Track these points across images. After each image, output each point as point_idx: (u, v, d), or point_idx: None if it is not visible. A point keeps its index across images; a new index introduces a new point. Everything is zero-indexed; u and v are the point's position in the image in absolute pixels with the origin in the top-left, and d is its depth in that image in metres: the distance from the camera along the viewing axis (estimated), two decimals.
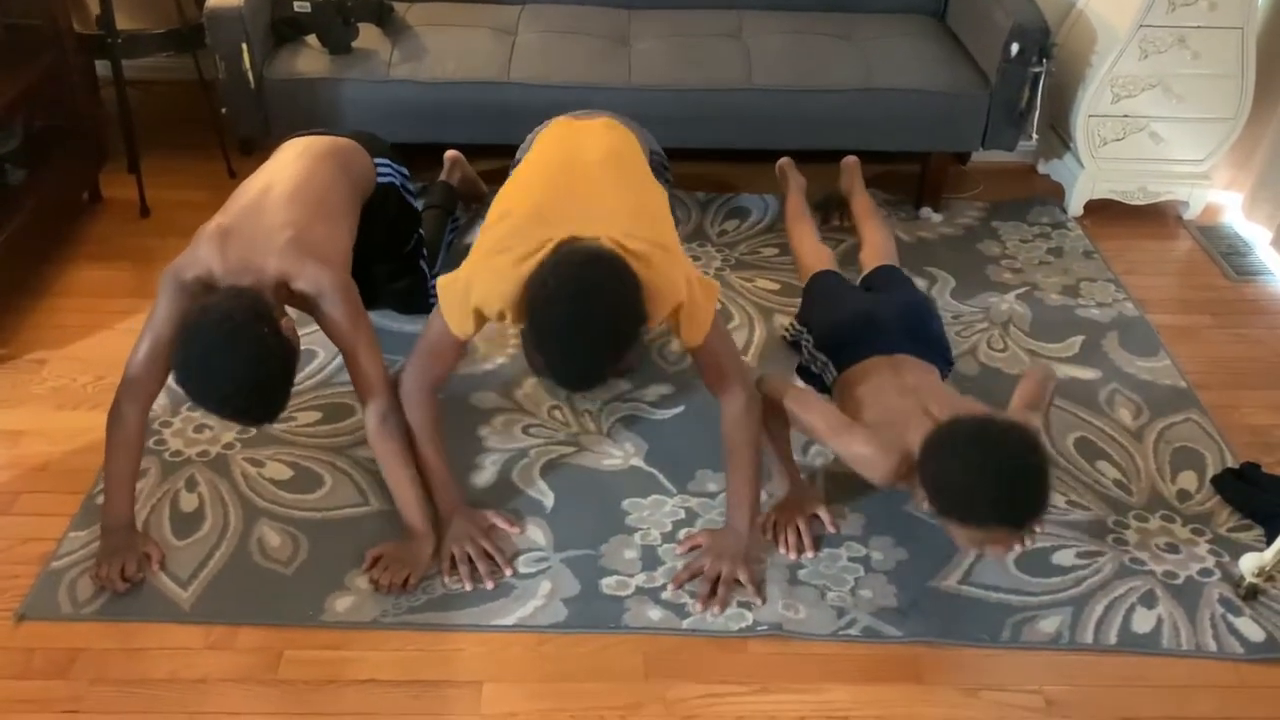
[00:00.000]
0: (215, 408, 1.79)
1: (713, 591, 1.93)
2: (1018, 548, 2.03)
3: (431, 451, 2.01)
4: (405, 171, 2.40)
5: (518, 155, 2.34)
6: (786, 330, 2.54)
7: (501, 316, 1.85)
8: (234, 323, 1.74)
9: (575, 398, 2.40)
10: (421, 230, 2.52)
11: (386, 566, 1.94)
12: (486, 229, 1.96)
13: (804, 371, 2.34)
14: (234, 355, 1.73)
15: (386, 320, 2.61)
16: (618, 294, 1.72)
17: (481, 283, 1.85)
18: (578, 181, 1.97)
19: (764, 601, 1.94)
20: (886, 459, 1.87)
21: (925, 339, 2.19)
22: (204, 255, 1.89)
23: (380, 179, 2.29)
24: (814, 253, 2.61)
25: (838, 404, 2.08)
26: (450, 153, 2.96)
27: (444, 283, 1.91)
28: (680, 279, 1.84)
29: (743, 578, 1.95)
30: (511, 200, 1.99)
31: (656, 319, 1.85)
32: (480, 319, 1.88)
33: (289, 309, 1.97)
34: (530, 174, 2.06)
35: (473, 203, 3.03)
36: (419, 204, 2.51)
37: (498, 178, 3.04)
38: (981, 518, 1.75)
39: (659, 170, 2.37)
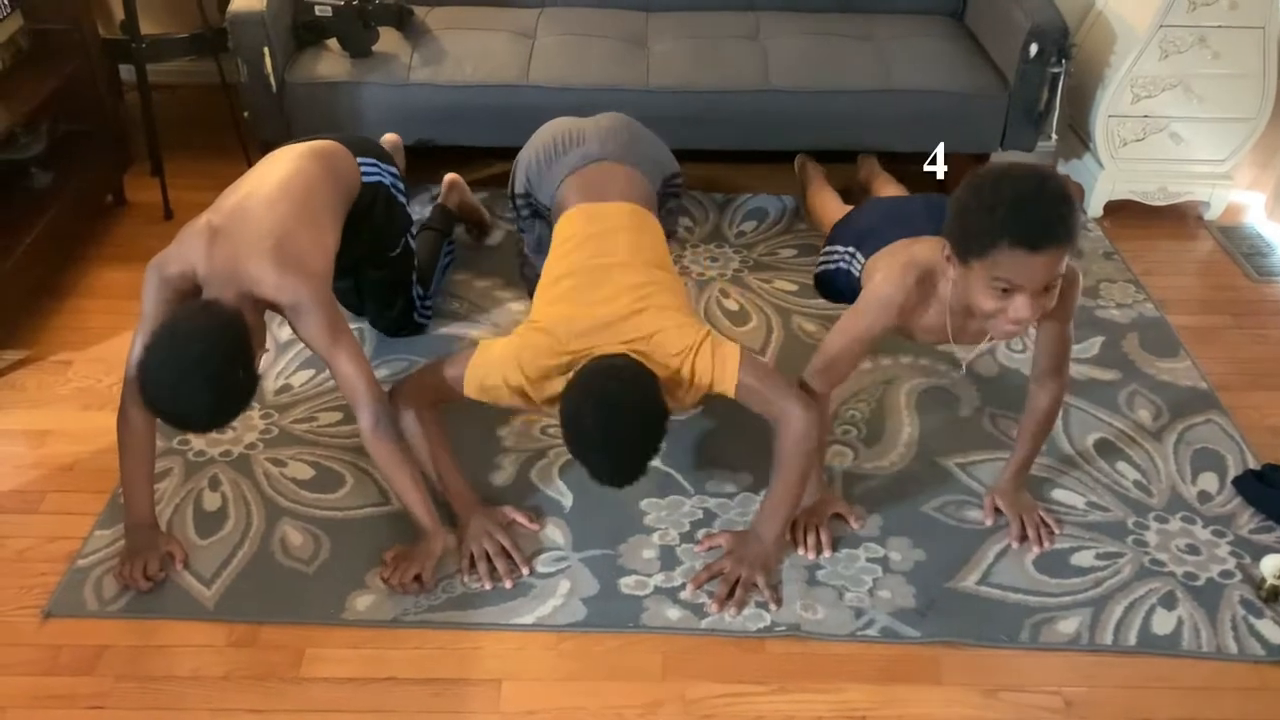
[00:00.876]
0: (163, 415, 1.81)
1: (730, 593, 1.94)
2: (1045, 304, 1.77)
3: (439, 454, 2.03)
4: (394, 170, 2.37)
5: (524, 158, 2.37)
6: (818, 265, 2.50)
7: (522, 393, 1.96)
8: (206, 347, 1.73)
9: None
10: (413, 232, 2.47)
11: (396, 567, 1.96)
12: (534, 315, 2.03)
13: (823, 279, 2.39)
14: (199, 382, 1.73)
15: None
16: (640, 399, 1.83)
17: (521, 369, 1.92)
18: (606, 297, 1.98)
19: (778, 606, 1.94)
20: (900, 278, 1.91)
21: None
22: (189, 252, 1.89)
23: (366, 179, 2.26)
24: (840, 210, 2.63)
25: (866, 286, 2.11)
26: (449, 176, 2.92)
27: (484, 349, 1.97)
28: (690, 359, 1.91)
29: (760, 583, 1.96)
30: (548, 299, 2.04)
31: (686, 402, 1.97)
32: (503, 394, 1.95)
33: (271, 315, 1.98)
34: (564, 280, 2.05)
35: (473, 227, 2.96)
36: (407, 200, 2.45)
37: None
38: (996, 232, 1.66)
39: (672, 194, 2.38)
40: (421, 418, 2.01)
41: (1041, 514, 2.12)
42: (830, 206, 2.75)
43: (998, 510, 2.13)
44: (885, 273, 2.00)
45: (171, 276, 1.90)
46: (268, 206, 1.97)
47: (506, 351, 1.95)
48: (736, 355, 1.92)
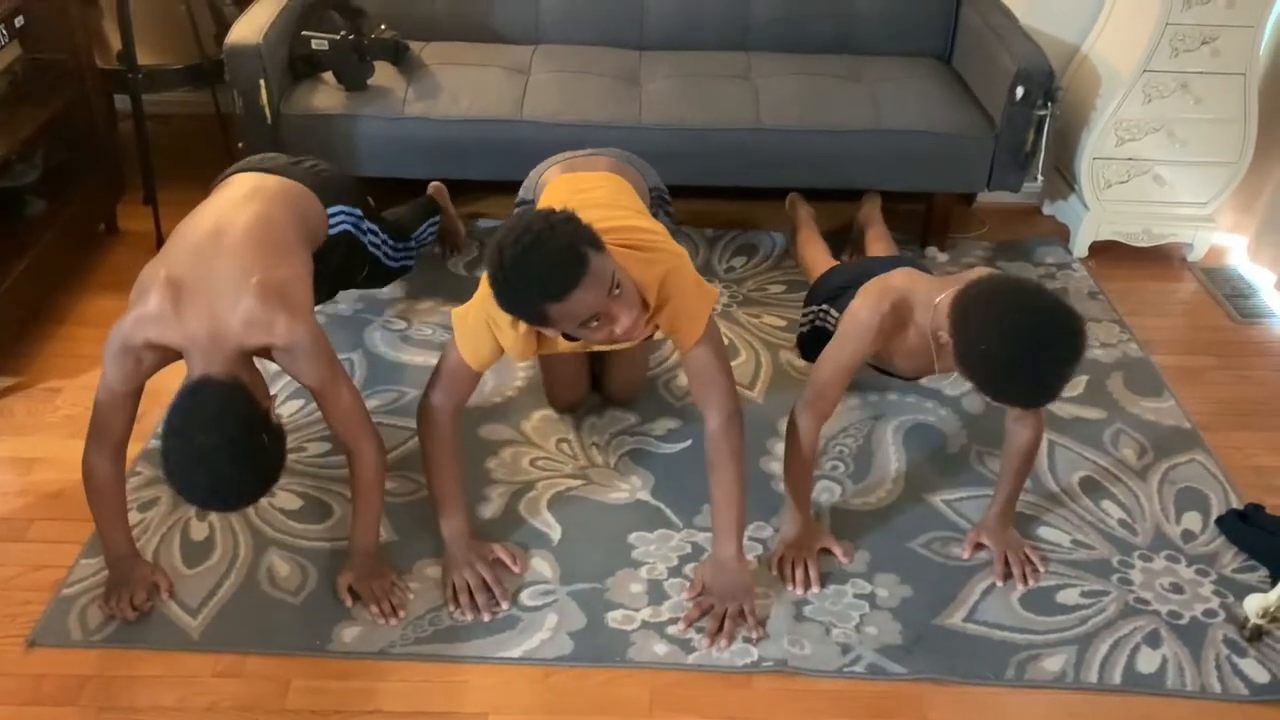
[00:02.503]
0: (216, 511, 1.79)
1: (720, 627, 1.94)
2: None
3: (447, 475, 2.02)
4: (358, 211, 2.32)
5: (521, 196, 2.39)
6: (800, 326, 2.55)
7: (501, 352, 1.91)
8: (221, 440, 1.67)
9: (583, 430, 2.42)
10: (384, 246, 2.47)
11: (375, 597, 1.95)
12: None
13: (803, 342, 2.48)
14: (234, 475, 1.70)
15: (384, 348, 2.64)
16: (572, 219, 1.69)
17: (492, 311, 1.84)
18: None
19: (758, 637, 1.94)
20: (876, 302, 2.01)
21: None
22: (155, 315, 1.78)
23: (333, 230, 2.21)
24: (826, 264, 2.68)
25: None
26: (434, 184, 2.98)
27: (457, 315, 1.93)
28: (667, 264, 1.85)
29: (745, 610, 1.96)
30: None
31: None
32: (496, 351, 1.91)
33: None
34: None
35: (447, 238, 3.00)
36: (371, 237, 2.42)
37: (507, 213, 3.09)
38: (1014, 396, 1.86)
39: (660, 204, 2.41)
40: (446, 427, 1.99)
41: (1027, 552, 2.13)
42: (818, 258, 2.76)
43: (978, 546, 2.15)
44: (861, 299, 2.06)
45: (136, 346, 1.81)
46: (236, 251, 1.86)
47: (477, 308, 1.88)
48: (714, 301, 1.92)
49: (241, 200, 2.00)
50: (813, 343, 2.40)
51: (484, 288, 1.86)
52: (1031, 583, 2.08)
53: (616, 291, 1.71)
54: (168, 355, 1.85)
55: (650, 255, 1.86)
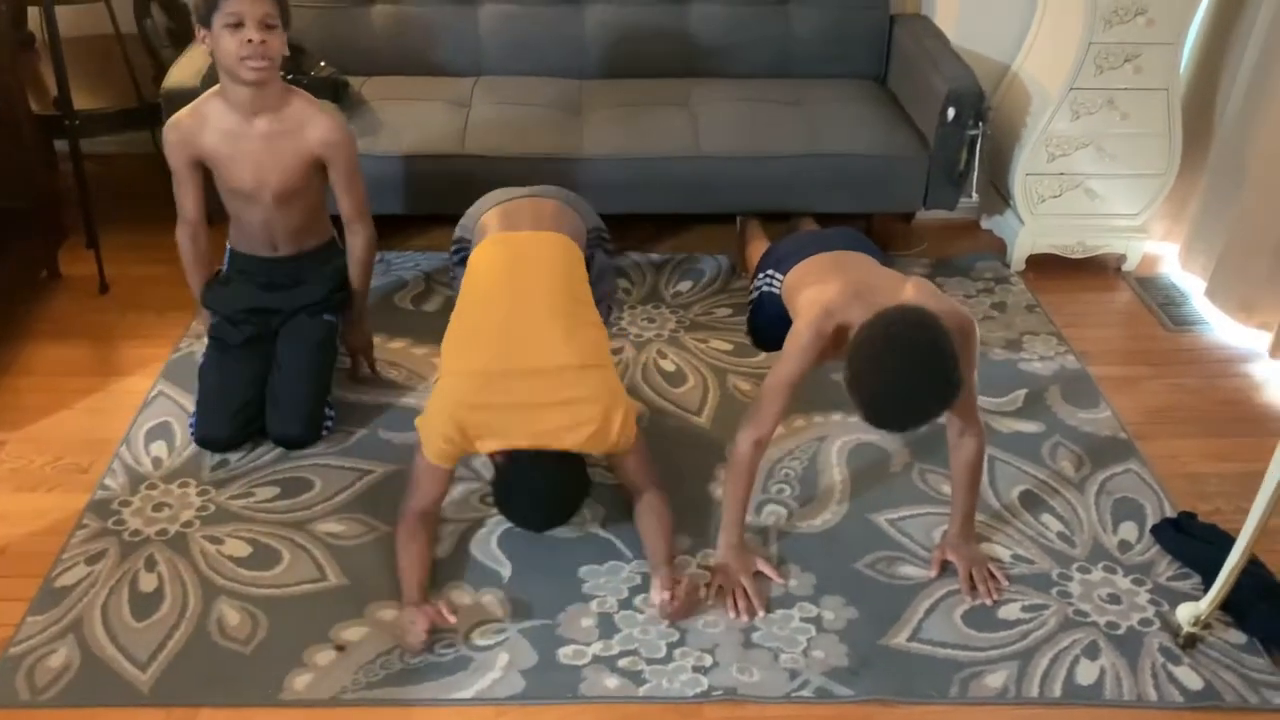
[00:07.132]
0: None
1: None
2: None
3: (418, 567, 2.08)
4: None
5: (458, 234, 2.43)
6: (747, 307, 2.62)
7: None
8: None
9: None
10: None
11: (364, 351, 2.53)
12: (449, 359, 2.18)
13: (752, 317, 2.56)
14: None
15: (333, 389, 2.64)
16: (571, 486, 2.18)
17: (451, 426, 2.06)
18: (520, 333, 2.12)
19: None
20: (819, 325, 2.06)
21: (863, 245, 2.41)
22: None
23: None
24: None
25: (786, 304, 2.31)
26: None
27: (422, 425, 2.11)
28: (616, 420, 2.07)
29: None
30: (463, 335, 2.20)
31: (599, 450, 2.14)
32: (458, 451, 2.10)
33: None
34: (476, 308, 2.22)
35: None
36: None
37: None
38: (864, 415, 1.91)
39: (598, 244, 2.45)
40: (412, 528, 2.12)
41: (990, 568, 2.18)
42: (760, 249, 2.83)
43: (944, 564, 2.19)
44: (805, 320, 2.09)
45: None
46: None
47: (443, 417, 2.07)
48: (634, 417, 2.14)
49: None
50: (761, 311, 2.47)
51: (442, 391, 2.11)
52: (997, 597, 2.13)
53: None
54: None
55: (586, 429, 2.05)
